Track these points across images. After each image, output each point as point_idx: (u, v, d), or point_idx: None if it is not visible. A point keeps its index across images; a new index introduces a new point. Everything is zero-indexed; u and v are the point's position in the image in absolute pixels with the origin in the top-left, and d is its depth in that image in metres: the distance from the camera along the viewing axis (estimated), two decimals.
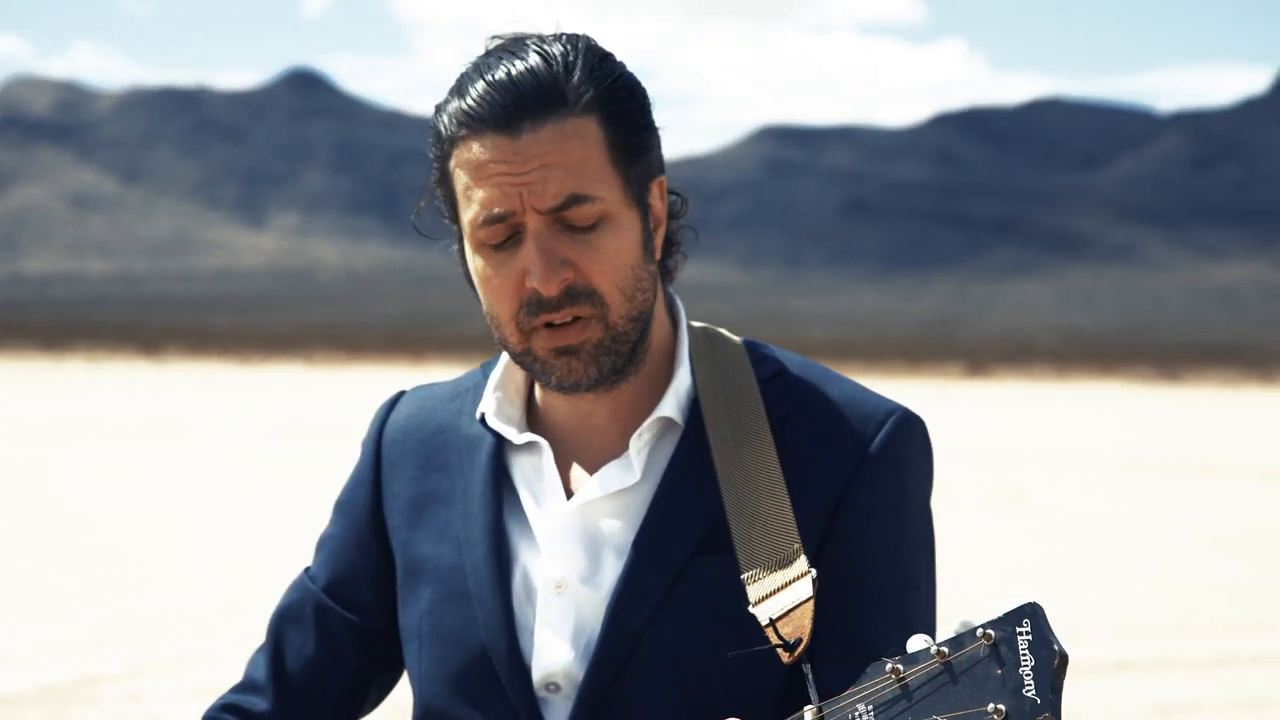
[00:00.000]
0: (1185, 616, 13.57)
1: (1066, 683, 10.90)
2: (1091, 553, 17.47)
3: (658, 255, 2.43)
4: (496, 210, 2.32)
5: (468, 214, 2.35)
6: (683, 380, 2.44)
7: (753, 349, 2.50)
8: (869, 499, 2.38)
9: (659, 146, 2.43)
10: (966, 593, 14.76)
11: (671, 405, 2.42)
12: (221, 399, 43.07)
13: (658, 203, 2.42)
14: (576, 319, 2.35)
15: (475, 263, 2.38)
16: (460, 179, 2.35)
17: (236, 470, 24.00)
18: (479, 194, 2.33)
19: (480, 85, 2.33)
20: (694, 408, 2.43)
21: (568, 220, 2.33)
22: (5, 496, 20.53)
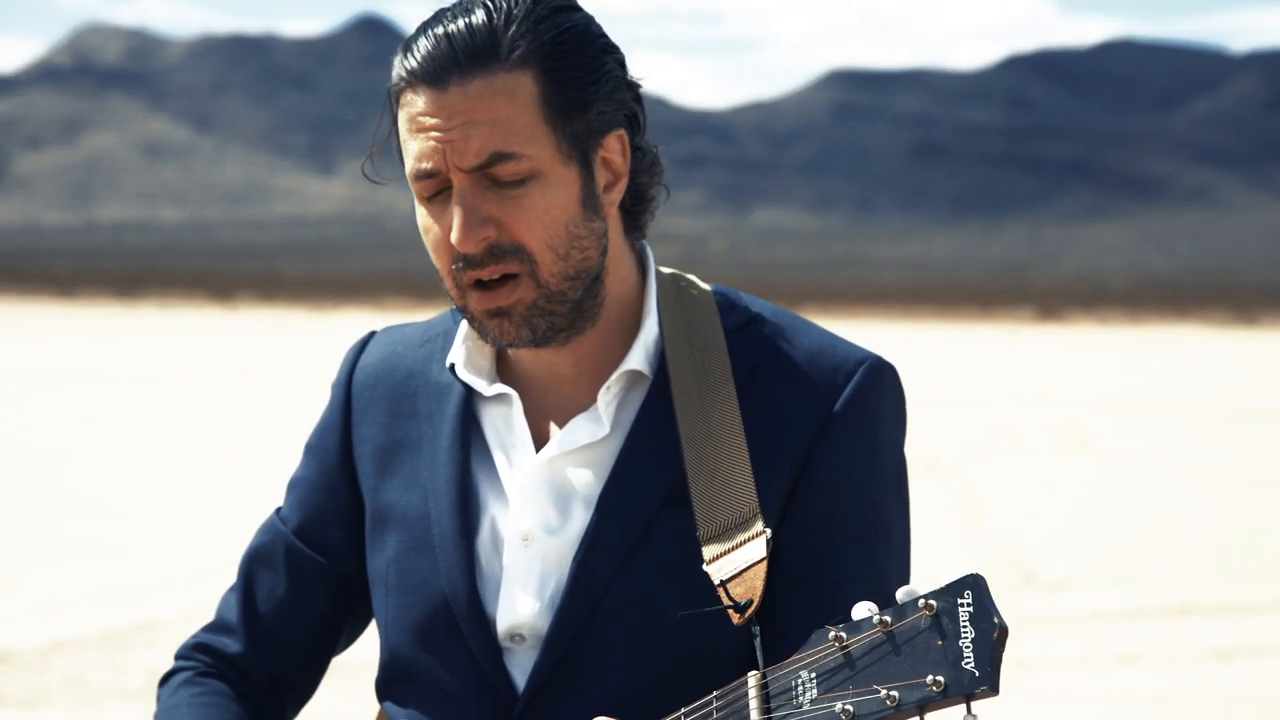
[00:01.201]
0: (1248, 561, 13.48)
1: (1129, 625, 10.91)
2: (1156, 497, 17.38)
3: (609, 210, 2.40)
4: (424, 166, 2.33)
5: (406, 166, 2.36)
6: (650, 331, 2.43)
7: (722, 297, 2.48)
8: (838, 449, 2.37)
9: (623, 99, 2.40)
10: (1031, 538, 14.71)
11: (639, 357, 2.42)
12: (293, 345, 43.27)
13: (615, 158, 2.39)
14: (506, 277, 2.34)
15: (418, 213, 2.39)
16: (401, 131, 2.36)
17: (307, 416, 24.13)
18: (412, 147, 2.34)
19: (422, 39, 2.34)
20: (662, 359, 2.42)
21: (494, 177, 2.31)
22: (77, 440, 20.69)
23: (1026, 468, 19.82)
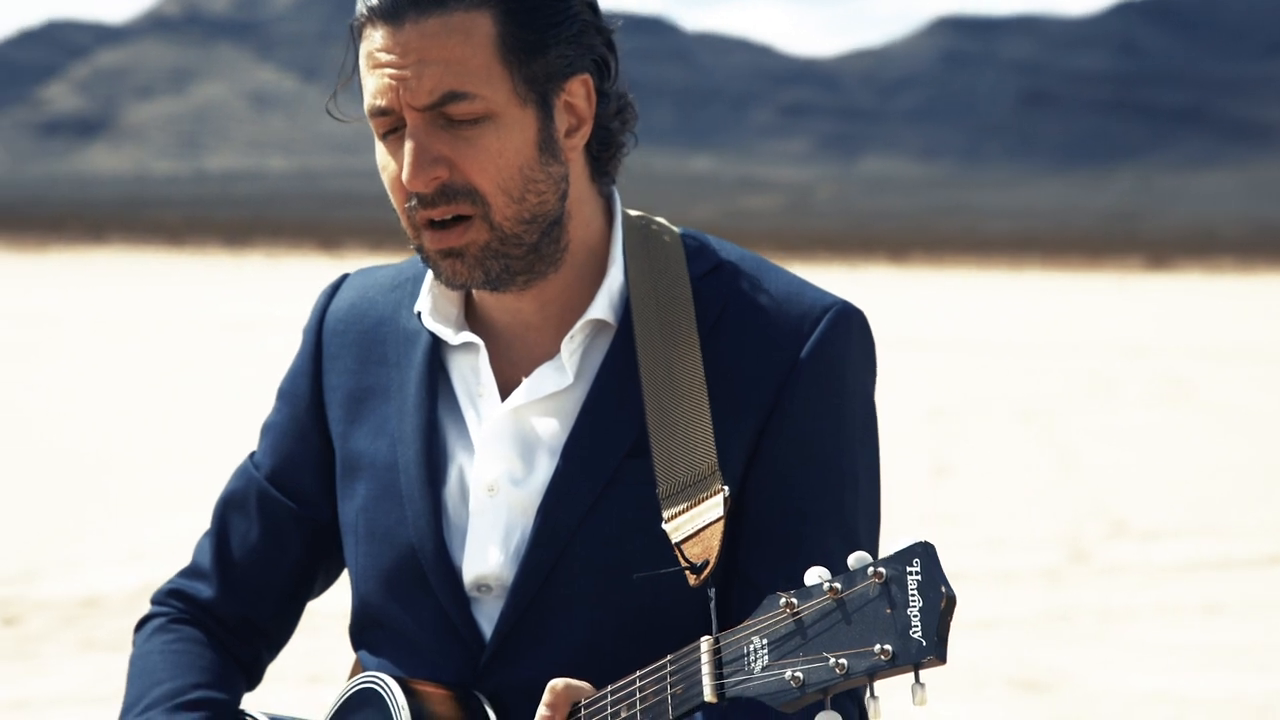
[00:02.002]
0: None
1: (1218, 576, 10.81)
2: (1254, 448, 17.19)
3: (571, 154, 2.37)
4: (379, 103, 2.32)
5: (364, 103, 2.36)
6: (615, 279, 2.41)
7: (690, 242, 2.45)
8: (805, 396, 2.35)
9: (590, 44, 2.37)
10: (1124, 488, 14.60)
11: (603, 306, 2.40)
12: None
13: (579, 102, 2.37)
14: (458, 218, 2.32)
15: (377, 151, 2.38)
16: (361, 67, 2.35)
17: None
18: (369, 84, 2.33)
19: None
20: (628, 307, 2.40)
21: (448, 116, 2.30)
22: (180, 389, 20.90)
23: (1124, 418, 19.67)
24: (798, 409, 2.35)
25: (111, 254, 70.36)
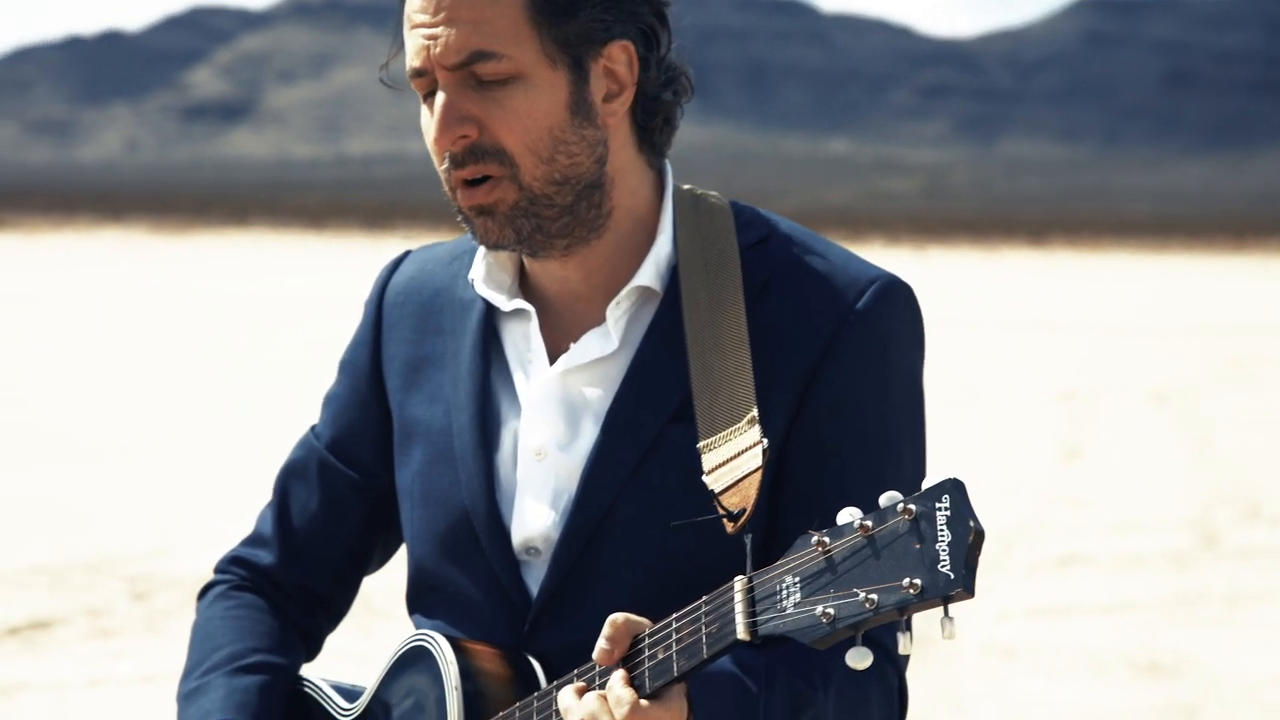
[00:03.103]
0: None
1: None
2: None
3: (610, 120, 2.38)
4: (415, 64, 2.37)
5: (406, 65, 2.40)
6: (662, 248, 2.42)
7: (739, 214, 2.46)
8: (847, 366, 2.36)
9: (633, 10, 2.38)
10: (1260, 472, 14.42)
11: (650, 273, 2.41)
12: None
13: (619, 68, 2.38)
14: (486, 178, 2.35)
15: (421, 114, 2.42)
16: (403, 29, 2.40)
17: None
18: (408, 45, 2.38)
19: None
20: (674, 276, 2.41)
21: (477, 76, 2.33)
22: (314, 369, 21.11)
23: (1263, 401, 19.41)
24: (839, 378, 2.36)
25: (254, 236, 71.17)
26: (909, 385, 2.41)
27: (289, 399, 18.49)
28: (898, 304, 2.40)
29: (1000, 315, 32.96)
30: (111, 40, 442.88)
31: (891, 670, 2.36)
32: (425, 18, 2.33)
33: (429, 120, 2.38)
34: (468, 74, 2.33)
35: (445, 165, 2.37)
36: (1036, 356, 24.90)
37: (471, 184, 2.36)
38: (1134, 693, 8.02)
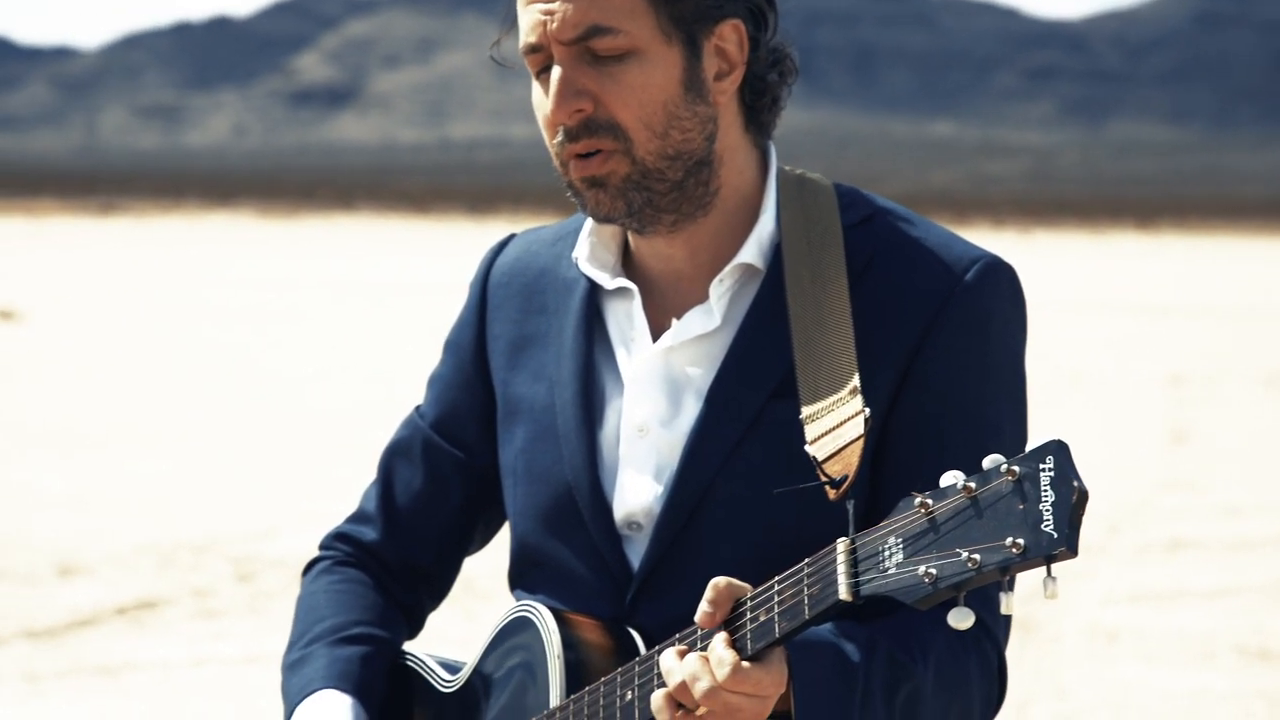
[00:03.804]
0: None
1: None
2: None
3: (720, 99, 2.41)
4: (530, 40, 2.39)
5: (519, 42, 2.42)
6: (765, 226, 2.45)
7: (843, 194, 2.48)
8: (949, 343, 2.37)
9: None
10: None
11: (753, 251, 2.44)
12: None
13: (730, 47, 2.40)
14: (598, 152, 2.37)
15: (533, 90, 2.45)
16: (518, 7, 2.43)
17: None
18: (522, 22, 2.41)
19: None
20: (777, 254, 2.44)
21: (593, 51, 2.36)
22: (417, 352, 21.23)
23: None
24: (941, 355, 2.37)
25: (359, 221, 71.63)
26: (1011, 364, 2.42)
27: (392, 381, 18.60)
28: (1000, 283, 2.42)
29: (1108, 299, 32.72)
30: (220, 26, 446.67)
31: (991, 649, 2.37)
32: None
33: (541, 96, 2.41)
34: (584, 49, 2.36)
35: (559, 139, 2.39)
36: (1144, 340, 24.70)
37: (584, 157, 2.39)
38: (1242, 678, 7.94)
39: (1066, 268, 42.98)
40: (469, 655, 2.57)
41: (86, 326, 24.82)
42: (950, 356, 2.37)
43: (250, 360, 20.79)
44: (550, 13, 2.36)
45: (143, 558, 10.02)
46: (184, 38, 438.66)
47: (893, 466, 2.37)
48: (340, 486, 12.06)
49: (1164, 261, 49.63)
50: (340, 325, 25.59)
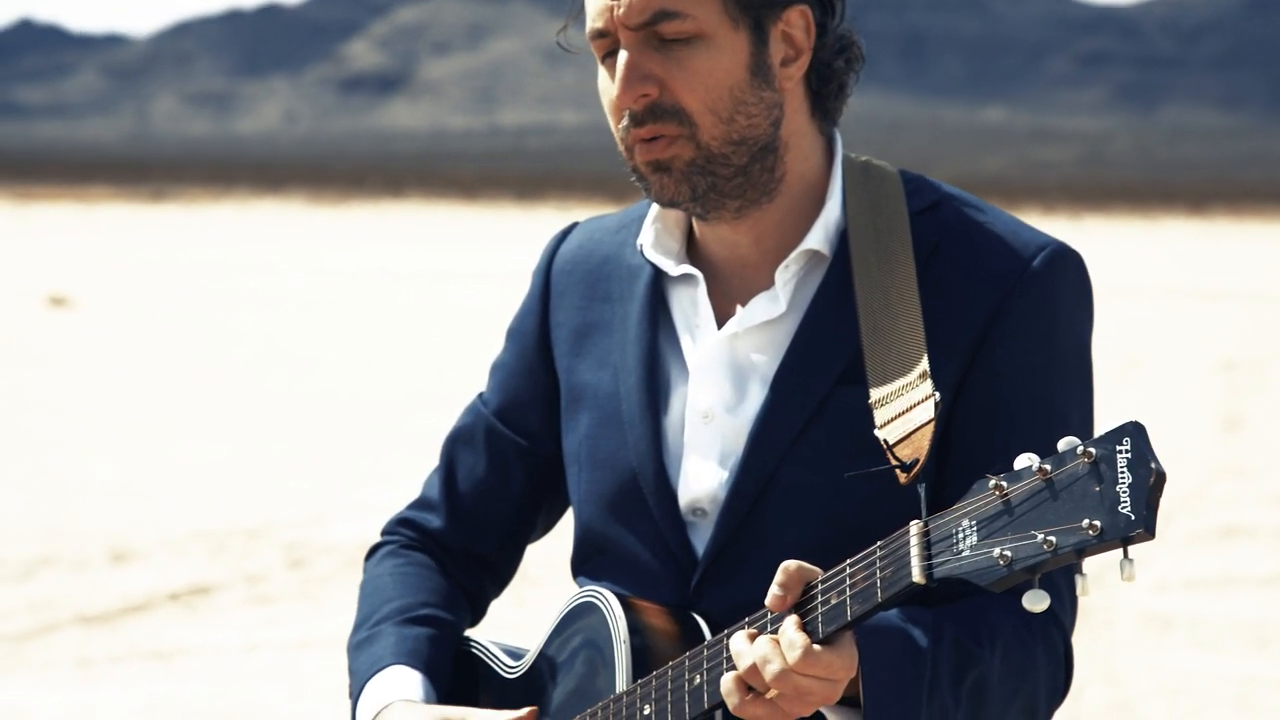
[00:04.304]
0: None
1: None
2: None
3: (786, 84, 2.41)
4: (596, 25, 2.40)
5: (585, 27, 2.43)
6: (831, 212, 2.45)
7: (909, 181, 2.48)
8: (1016, 329, 2.37)
9: None
10: None
11: (819, 237, 2.44)
12: None
13: (797, 33, 2.41)
14: (662, 136, 2.38)
15: (598, 75, 2.45)
16: None
17: None
18: (589, 7, 2.41)
19: None
20: (843, 240, 2.44)
21: (660, 36, 2.36)
22: (465, 339, 21.27)
23: None
24: (1008, 341, 2.37)
25: (409, 208, 71.77)
26: (1077, 350, 2.42)
27: (442, 368, 18.64)
28: (1067, 270, 2.42)
29: (1160, 285, 32.57)
30: (271, 13, 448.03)
31: (1058, 635, 2.37)
32: None
33: (607, 81, 2.42)
34: (650, 33, 2.37)
35: (624, 123, 2.40)
36: (1197, 326, 24.57)
37: (649, 141, 2.39)
38: None
39: (1118, 254, 42.80)
40: (530, 642, 2.57)
41: (138, 313, 24.93)
42: (1017, 342, 2.37)
43: (300, 347, 20.86)
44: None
45: (195, 544, 10.06)
46: (235, 25, 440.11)
47: (959, 451, 2.37)
48: (390, 473, 12.09)
49: (1216, 247, 49.36)
50: (389, 312, 25.65)
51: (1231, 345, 22.27)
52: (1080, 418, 2.40)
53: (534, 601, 8.44)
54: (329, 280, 31.60)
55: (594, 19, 2.40)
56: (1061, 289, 2.40)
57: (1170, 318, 25.97)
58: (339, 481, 12.04)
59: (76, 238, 45.17)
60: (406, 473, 12.14)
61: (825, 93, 2.46)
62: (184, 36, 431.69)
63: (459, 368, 18.56)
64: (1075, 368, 2.41)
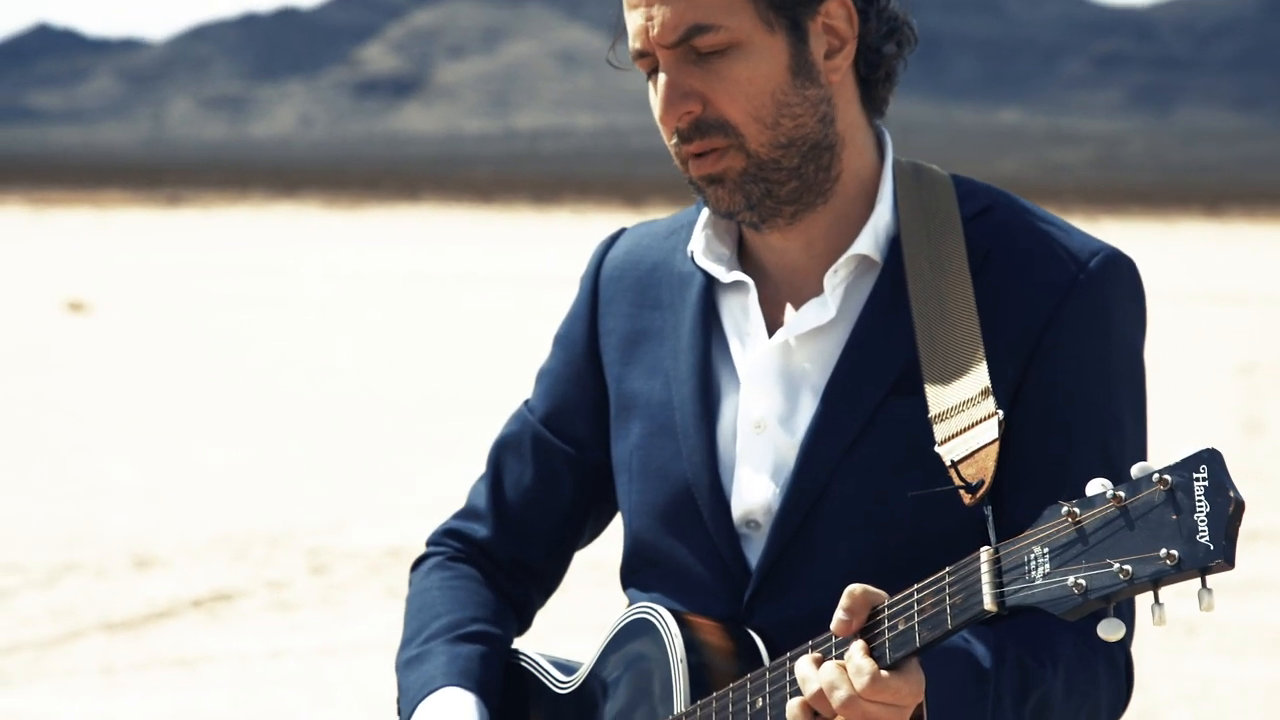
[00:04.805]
0: None
1: None
2: None
3: (834, 78, 2.38)
4: (635, 46, 2.38)
5: (628, 47, 2.42)
6: (882, 217, 2.41)
7: (961, 184, 2.44)
8: (1070, 336, 2.34)
9: None
10: None
11: (868, 242, 2.40)
12: None
13: (839, 23, 2.37)
14: (712, 150, 2.36)
15: (649, 92, 2.43)
16: (625, 11, 2.41)
17: None
18: (629, 27, 2.40)
19: None
20: (894, 245, 2.40)
21: (696, 50, 2.34)
22: (487, 343, 21.28)
23: None
24: (1062, 349, 2.34)
25: (424, 211, 71.78)
26: (1131, 357, 2.39)
27: (460, 370, 18.64)
28: (1121, 276, 2.39)
29: (1177, 287, 32.50)
30: (287, 17, 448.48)
31: (1119, 650, 2.35)
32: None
33: (655, 97, 2.40)
34: (687, 49, 2.35)
35: (674, 140, 2.39)
36: (1215, 329, 24.53)
37: (700, 155, 2.37)
38: None
39: (1135, 256, 42.67)
40: (580, 654, 2.55)
41: (156, 318, 24.95)
42: (1072, 351, 2.34)
43: (318, 350, 20.87)
44: (650, 17, 2.34)
45: (217, 550, 10.07)
46: (251, 29, 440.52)
47: (1015, 461, 2.33)
48: (410, 478, 12.08)
49: (1233, 249, 49.26)
50: (406, 316, 25.66)
51: (1250, 348, 22.22)
52: (1135, 427, 2.38)
53: (550, 607, 8.44)
54: (345, 284, 31.61)
55: (632, 39, 2.38)
56: (1116, 295, 2.37)
57: (1187, 321, 25.92)
58: (359, 486, 12.03)
59: (93, 242, 45.23)
60: (426, 477, 12.13)
61: (873, 79, 2.42)
62: (200, 40, 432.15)
63: (477, 371, 18.56)
64: (1130, 375, 2.38)
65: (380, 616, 8.60)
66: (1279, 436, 14.83)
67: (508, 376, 18.17)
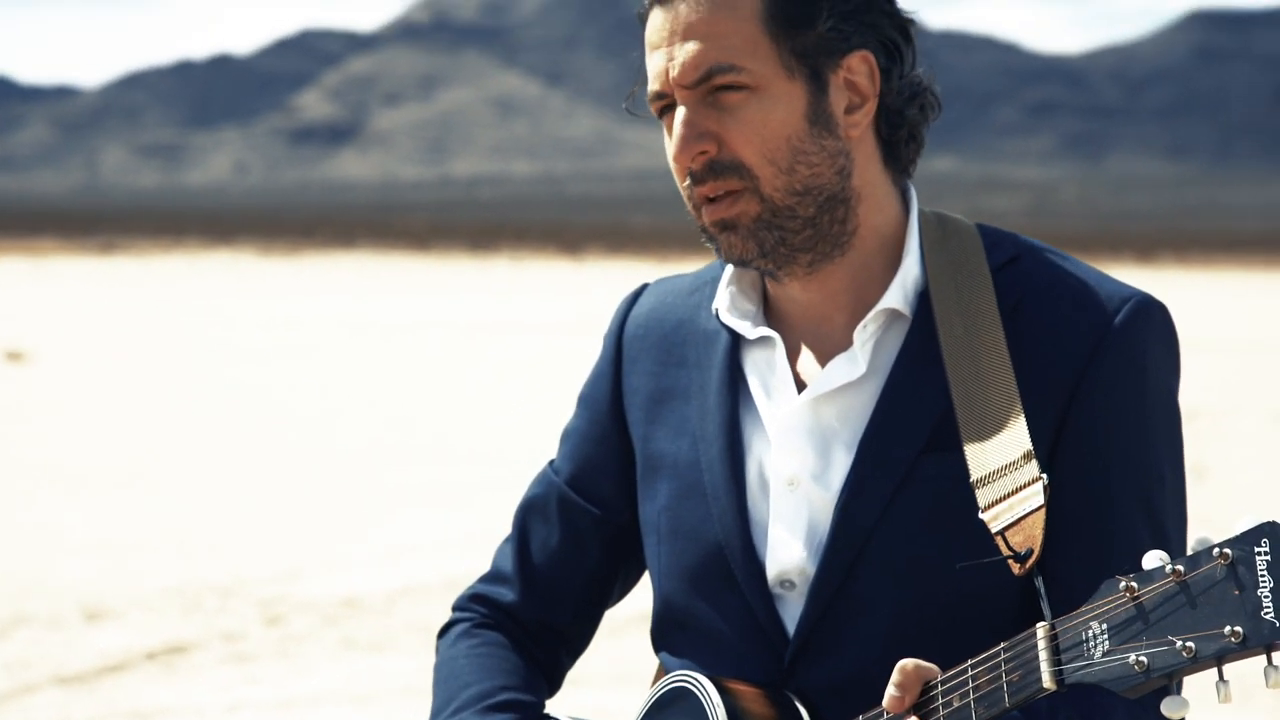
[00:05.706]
0: None
1: None
2: None
3: (853, 133, 2.36)
4: (654, 87, 2.38)
5: (647, 89, 2.41)
6: (910, 270, 2.39)
7: (987, 234, 2.42)
8: (1105, 387, 2.30)
9: (874, 22, 2.37)
10: None
11: (897, 296, 2.37)
12: None
13: (861, 80, 2.36)
14: (727, 194, 2.35)
15: (664, 135, 2.41)
16: (645, 53, 2.41)
17: None
18: (649, 68, 2.39)
19: None
20: (923, 299, 2.37)
21: (715, 91, 2.33)
22: (428, 390, 21.23)
23: None
24: (1099, 400, 2.30)
25: (361, 258, 71.63)
26: (1167, 405, 2.36)
27: (400, 418, 18.57)
28: (1154, 322, 2.35)
29: None
30: (221, 64, 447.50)
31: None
32: (663, 36, 2.35)
33: (670, 139, 2.38)
34: (706, 91, 2.34)
35: (687, 183, 2.37)
36: None
37: (714, 200, 2.36)
38: None
39: None
40: (598, 710, 2.53)
41: (95, 366, 24.80)
42: (1108, 400, 2.30)
43: (258, 399, 20.77)
44: (672, 58, 2.34)
45: (169, 601, 9.98)
46: (185, 76, 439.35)
47: (1057, 521, 2.28)
48: (363, 527, 12.01)
49: (1165, 296, 49.49)
50: (345, 363, 25.57)
51: (1189, 393, 22.35)
52: (1174, 477, 2.35)
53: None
54: (284, 332, 31.49)
55: (652, 81, 2.37)
56: (1148, 342, 2.34)
57: None
58: (311, 535, 11.96)
59: (28, 291, 44.95)
60: (377, 526, 12.08)
61: (895, 140, 2.40)
62: (133, 88, 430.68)
63: (419, 418, 18.50)
64: (1166, 424, 2.34)
65: (336, 668, 8.54)
66: (1224, 483, 14.92)
67: (450, 422, 18.12)
